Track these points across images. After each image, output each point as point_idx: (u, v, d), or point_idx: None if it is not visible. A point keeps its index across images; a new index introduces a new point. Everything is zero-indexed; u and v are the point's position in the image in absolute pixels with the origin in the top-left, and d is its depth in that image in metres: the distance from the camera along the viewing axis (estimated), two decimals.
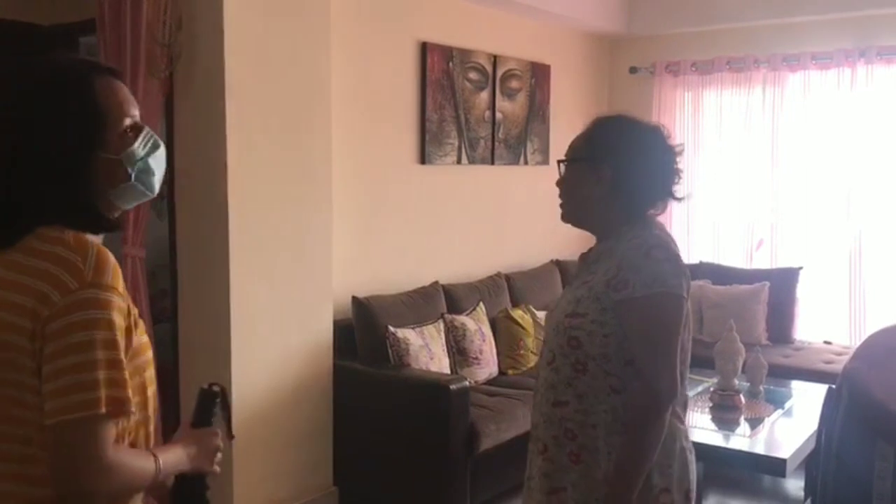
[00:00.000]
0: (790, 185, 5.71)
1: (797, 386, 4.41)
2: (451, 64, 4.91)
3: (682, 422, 1.92)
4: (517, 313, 4.81)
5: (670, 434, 1.86)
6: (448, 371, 4.24)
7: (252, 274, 3.59)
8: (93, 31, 3.67)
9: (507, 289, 5.08)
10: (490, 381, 4.48)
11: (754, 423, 3.83)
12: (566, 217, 2.02)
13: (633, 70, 6.34)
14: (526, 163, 5.62)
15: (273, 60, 3.63)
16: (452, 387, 3.72)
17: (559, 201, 2.03)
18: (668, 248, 1.86)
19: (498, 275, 5.12)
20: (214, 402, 1.59)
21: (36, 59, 1.48)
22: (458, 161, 5.03)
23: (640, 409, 1.81)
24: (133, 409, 1.36)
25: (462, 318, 4.49)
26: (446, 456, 3.71)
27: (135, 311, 1.45)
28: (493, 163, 5.32)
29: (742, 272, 5.66)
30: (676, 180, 1.97)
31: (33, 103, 1.42)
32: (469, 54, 5.05)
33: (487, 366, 4.51)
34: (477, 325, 4.51)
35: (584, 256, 2.05)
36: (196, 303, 3.66)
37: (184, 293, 3.70)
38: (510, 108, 5.45)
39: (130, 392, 1.35)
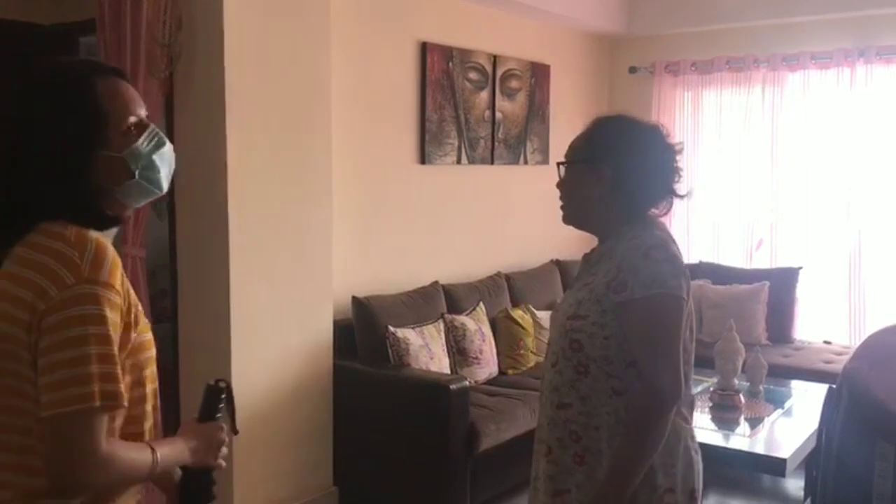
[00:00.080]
0: (790, 184, 5.72)
1: (797, 386, 4.42)
2: (450, 64, 4.91)
3: (688, 422, 1.92)
4: (517, 313, 4.81)
5: (674, 434, 1.86)
6: (448, 371, 4.24)
7: (252, 274, 3.59)
8: (93, 31, 3.67)
9: (507, 289, 5.08)
10: (490, 381, 4.48)
11: (754, 422, 3.83)
12: (567, 219, 2.02)
13: (632, 70, 6.35)
14: (526, 163, 5.62)
15: (273, 60, 3.63)
16: (452, 387, 3.72)
17: (560, 203, 2.02)
18: (667, 249, 1.86)
19: (498, 275, 5.12)
20: (220, 397, 1.60)
21: (39, 60, 1.49)
22: (458, 161, 5.03)
23: (642, 410, 1.80)
24: (126, 402, 1.38)
25: (462, 318, 4.49)
26: (446, 456, 3.71)
27: (137, 308, 1.46)
28: (492, 163, 5.33)
29: (742, 272, 5.67)
30: (677, 179, 1.96)
31: (34, 103, 1.45)
32: (469, 54, 5.05)
33: (487, 366, 4.51)
34: (477, 325, 4.51)
35: (586, 257, 2.04)
36: (196, 303, 3.66)
37: (184, 293, 3.70)
38: (510, 107, 5.45)
39: (124, 387, 1.37)
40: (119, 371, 1.36)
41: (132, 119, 1.49)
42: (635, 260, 1.83)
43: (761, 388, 4.15)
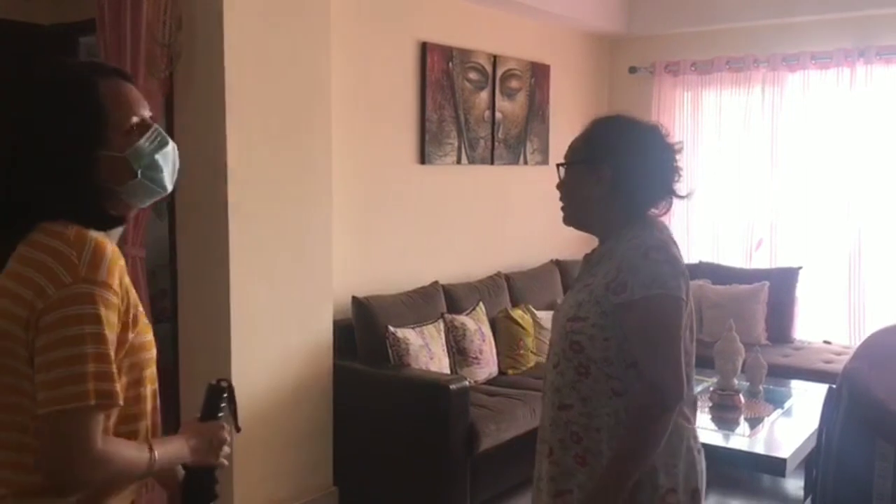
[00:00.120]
0: (790, 184, 5.72)
1: (797, 385, 4.43)
2: (450, 64, 4.92)
3: (690, 422, 1.91)
4: (517, 313, 4.82)
5: (676, 434, 1.86)
6: (448, 371, 4.24)
7: (252, 274, 3.59)
8: (93, 31, 3.67)
9: (507, 289, 5.08)
10: (490, 381, 4.48)
11: (754, 422, 3.83)
12: (568, 220, 2.01)
13: (632, 70, 6.35)
14: (525, 163, 5.62)
15: (273, 60, 3.63)
16: (452, 387, 3.72)
17: (560, 204, 2.01)
18: (666, 250, 1.85)
19: (498, 275, 5.13)
20: (221, 396, 1.61)
21: (42, 61, 1.51)
22: (458, 161, 5.03)
23: (643, 408, 1.79)
24: (121, 401, 1.39)
25: (462, 318, 4.49)
26: (446, 456, 3.71)
27: (137, 309, 1.46)
28: (492, 163, 5.33)
29: (742, 272, 5.67)
30: (676, 178, 1.96)
31: (35, 103, 1.46)
32: (469, 54, 5.05)
33: (487, 366, 4.52)
34: (477, 325, 4.51)
35: (587, 257, 2.04)
36: (196, 303, 3.66)
37: (184, 293, 3.70)
38: (510, 107, 5.45)
39: (118, 386, 1.38)
40: (114, 370, 1.37)
41: (134, 119, 1.50)
42: (635, 261, 1.83)
43: (761, 388, 4.16)
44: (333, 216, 3.98)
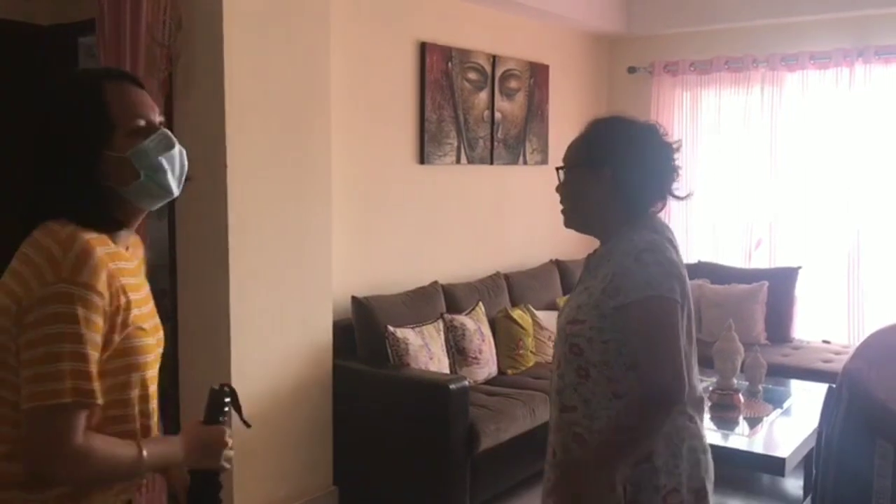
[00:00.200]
0: (789, 184, 5.73)
1: (796, 385, 4.43)
2: (450, 64, 4.92)
3: (693, 421, 1.91)
4: (516, 313, 4.82)
5: (677, 434, 1.86)
6: (447, 371, 4.24)
7: (251, 274, 3.59)
8: (92, 31, 3.66)
9: (507, 288, 5.08)
10: (489, 381, 4.49)
11: (753, 422, 3.83)
12: (569, 222, 2.01)
13: (631, 70, 6.35)
14: (525, 163, 5.62)
15: (272, 60, 3.63)
16: (452, 386, 3.72)
17: (560, 206, 2.01)
18: (659, 252, 1.84)
19: (497, 274, 5.13)
20: (223, 401, 1.60)
21: (63, 70, 1.58)
22: (458, 161, 5.04)
23: (641, 404, 1.79)
24: (99, 400, 1.41)
25: (461, 318, 4.49)
26: (446, 455, 3.71)
27: (130, 313, 1.47)
28: (492, 163, 5.33)
29: (741, 272, 5.68)
30: (675, 177, 1.96)
31: (44, 105, 1.50)
32: (468, 54, 5.05)
33: (487, 365, 4.52)
34: (476, 325, 4.51)
35: (589, 258, 2.04)
36: (196, 303, 3.66)
37: (184, 293, 3.70)
38: (509, 107, 5.45)
39: (96, 385, 1.40)
40: (92, 369, 1.39)
41: (140, 122, 1.51)
42: (627, 264, 1.83)
43: (760, 387, 4.16)
44: (333, 216, 3.99)
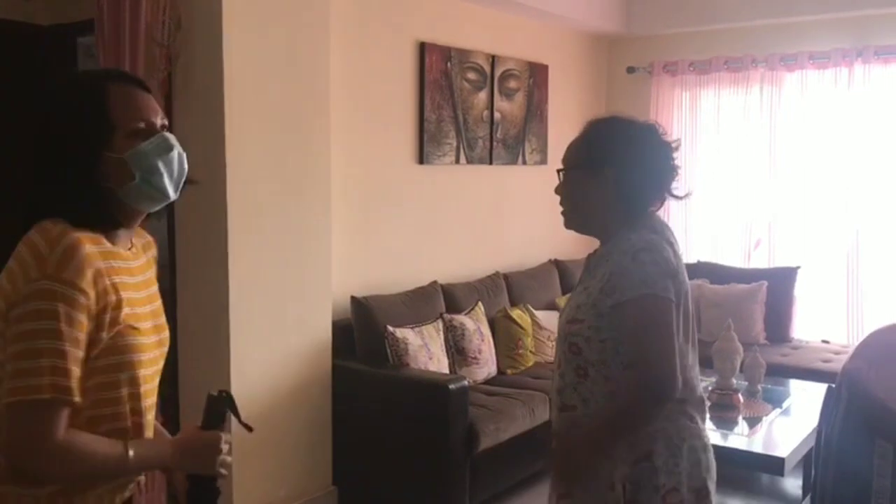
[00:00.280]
0: (788, 184, 5.73)
1: (795, 385, 4.43)
2: (449, 64, 4.92)
3: (694, 421, 1.91)
4: (516, 313, 4.82)
5: (678, 434, 1.87)
6: (447, 371, 4.24)
7: (251, 274, 3.59)
8: (91, 31, 3.66)
9: (506, 288, 5.08)
10: (489, 381, 4.49)
11: (752, 421, 3.83)
12: (569, 224, 2.01)
13: (630, 70, 6.35)
14: (524, 162, 5.63)
15: (272, 60, 3.63)
16: (451, 386, 3.72)
17: (560, 208, 2.01)
18: (655, 251, 1.85)
19: (496, 274, 5.13)
20: (221, 407, 1.60)
21: (62, 70, 1.60)
22: (457, 161, 5.04)
23: (627, 397, 1.81)
24: (76, 398, 1.41)
25: (461, 318, 4.49)
26: (445, 455, 3.71)
27: (120, 311, 1.47)
28: (491, 163, 5.33)
29: (740, 271, 5.68)
30: (675, 177, 1.97)
31: (46, 104, 1.51)
32: (467, 54, 5.06)
33: (486, 365, 4.52)
34: (476, 325, 4.51)
35: (589, 258, 2.05)
36: (195, 303, 3.65)
37: (183, 293, 3.70)
38: (508, 107, 5.45)
39: (75, 382, 1.40)
40: (71, 366, 1.39)
41: (140, 124, 1.52)
42: (624, 263, 1.84)
43: (759, 387, 4.16)
44: (332, 216, 3.99)
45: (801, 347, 5.29)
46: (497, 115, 5.34)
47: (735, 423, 3.85)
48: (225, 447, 1.59)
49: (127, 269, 1.54)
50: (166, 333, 1.66)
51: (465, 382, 3.84)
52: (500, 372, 4.65)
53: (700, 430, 1.93)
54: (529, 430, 4.01)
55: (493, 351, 4.63)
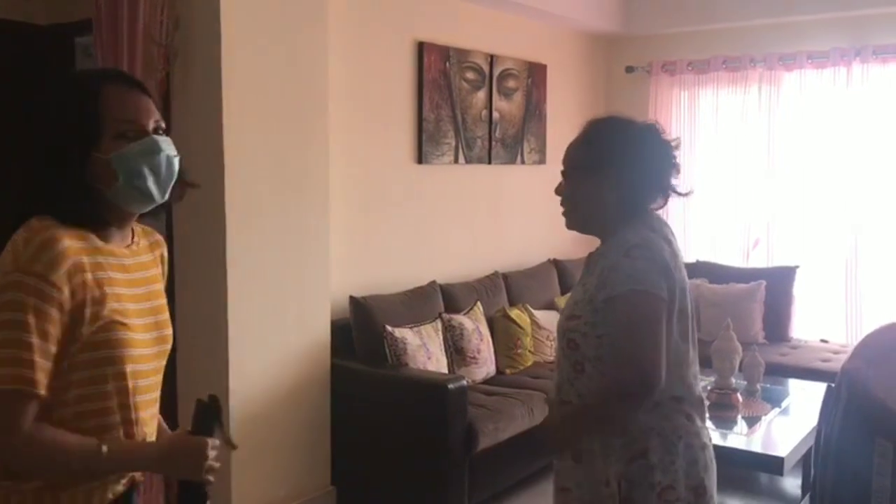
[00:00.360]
0: (786, 183, 5.73)
1: (794, 384, 4.43)
2: (447, 63, 4.92)
3: (691, 419, 1.91)
4: (515, 312, 4.82)
5: (674, 432, 1.87)
6: (446, 370, 4.24)
7: (249, 274, 3.58)
8: (89, 30, 3.66)
9: (505, 288, 5.08)
10: (488, 381, 4.48)
11: (751, 421, 3.83)
12: (571, 224, 2.02)
13: (629, 69, 6.35)
14: (523, 162, 5.62)
15: (270, 60, 3.63)
16: (450, 386, 3.72)
17: (559, 208, 2.01)
18: (649, 248, 1.85)
19: (495, 274, 5.13)
20: (210, 413, 1.59)
21: (61, 69, 1.61)
22: (455, 160, 5.04)
23: (608, 388, 1.83)
24: (40, 390, 1.41)
25: (460, 318, 4.49)
26: (444, 455, 3.71)
27: (102, 306, 1.47)
28: (490, 162, 5.33)
29: (739, 271, 5.68)
30: (675, 175, 1.97)
31: (42, 103, 1.53)
32: (466, 54, 5.05)
33: (485, 365, 4.52)
34: (474, 325, 4.51)
35: (589, 256, 2.05)
36: (194, 302, 3.65)
37: (182, 293, 3.69)
38: (507, 107, 5.45)
39: (40, 375, 1.40)
40: (37, 359, 1.39)
41: (128, 126, 1.52)
42: (617, 259, 1.85)
43: (758, 386, 4.16)
44: (331, 216, 3.98)
45: (799, 347, 5.30)
46: (496, 114, 5.34)
47: (734, 422, 3.85)
48: (212, 453, 1.56)
49: (120, 265, 1.54)
50: (168, 331, 1.66)
51: (464, 382, 3.84)
52: (499, 372, 4.65)
53: (698, 429, 1.93)
54: (528, 430, 4.01)
55: (492, 351, 4.63)
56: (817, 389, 3.84)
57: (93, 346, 1.47)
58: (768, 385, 4.26)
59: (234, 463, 3.53)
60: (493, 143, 5.34)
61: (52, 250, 1.41)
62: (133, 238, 1.63)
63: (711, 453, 1.96)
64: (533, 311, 4.96)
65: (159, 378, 1.65)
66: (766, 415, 3.89)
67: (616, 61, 6.47)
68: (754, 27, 5.76)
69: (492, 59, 5.27)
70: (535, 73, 5.69)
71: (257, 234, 3.61)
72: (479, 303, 4.71)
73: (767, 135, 5.76)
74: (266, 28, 3.59)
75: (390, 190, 4.63)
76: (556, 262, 5.63)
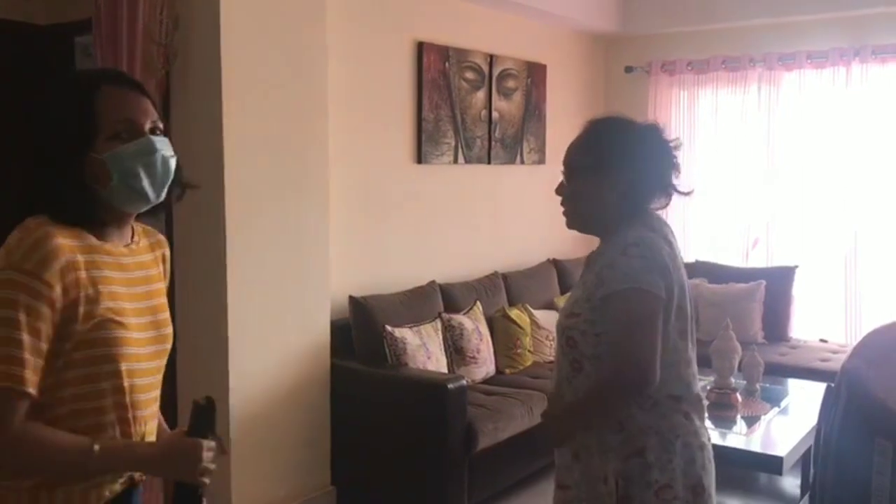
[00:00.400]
0: (786, 183, 5.73)
1: (793, 384, 4.43)
2: (447, 63, 4.92)
3: (689, 419, 1.92)
4: (514, 312, 4.82)
5: (671, 431, 1.87)
6: (445, 370, 4.24)
7: (249, 274, 3.58)
8: (89, 30, 3.66)
9: (504, 288, 5.08)
10: (487, 381, 4.49)
11: (751, 421, 3.84)
12: (572, 224, 2.02)
13: (628, 69, 6.35)
14: (522, 162, 5.62)
15: (270, 60, 3.63)
16: (450, 386, 3.72)
17: (559, 208, 2.02)
18: (646, 246, 1.86)
19: (495, 274, 5.13)
20: (206, 414, 1.59)
21: (61, 69, 1.62)
22: (455, 160, 5.04)
23: (600, 382, 1.85)
24: (29, 388, 1.40)
25: (459, 318, 4.49)
26: (444, 455, 3.71)
27: (100, 304, 1.47)
28: (489, 162, 5.33)
29: (738, 271, 5.68)
30: (676, 174, 1.98)
31: (37, 105, 1.54)
32: (465, 54, 5.05)
33: (485, 365, 4.52)
34: (474, 325, 4.51)
35: (590, 255, 2.05)
36: (194, 302, 3.65)
37: (181, 293, 3.69)
38: (506, 107, 5.45)
39: (29, 373, 1.40)
40: (27, 356, 1.39)
41: (123, 126, 1.52)
42: (614, 257, 1.86)
43: (758, 386, 4.16)
44: (330, 216, 3.98)
45: (799, 346, 5.30)
46: (495, 114, 5.34)
47: (733, 422, 3.85)
48: (207, 455, 1.56)
49: (117, 264, 1.54)
50: (168, 330, 1.65)
51: (464, 382, 3.84)
52: (499, 371, 4.65)
53: (696, 428, 1.93)
54: (528, 430, 4.01)
55: (492, 350, 4.63)
56: (816, 389, 3.85)
57: (87, 345, 1.47)
58: (767, 385, 4.27)
59: (234, 463, 3.53)
60: (493, 143, 5.34)
61: (44, 248, 1.42)
62: (133, 237, 1.63)
63: (710, 452, 1.96)
64: (532, 310, 4.96)
65: (159, 377, 1.65)
66: (765, 414, 3.89)
67: (615, 61, 6.47)
68: (754, 27, 5.76)
69: (491, 59, 5.27)
70: (535, 73, 5.69)
71: (257, 234, 3.61)
72: (478, 303, 4.72)
73: (767, 135, 5.76)
74: (266, 28, 3.60)
75: (390, 190, 4.63)
76: (555, 262, 5.63)
